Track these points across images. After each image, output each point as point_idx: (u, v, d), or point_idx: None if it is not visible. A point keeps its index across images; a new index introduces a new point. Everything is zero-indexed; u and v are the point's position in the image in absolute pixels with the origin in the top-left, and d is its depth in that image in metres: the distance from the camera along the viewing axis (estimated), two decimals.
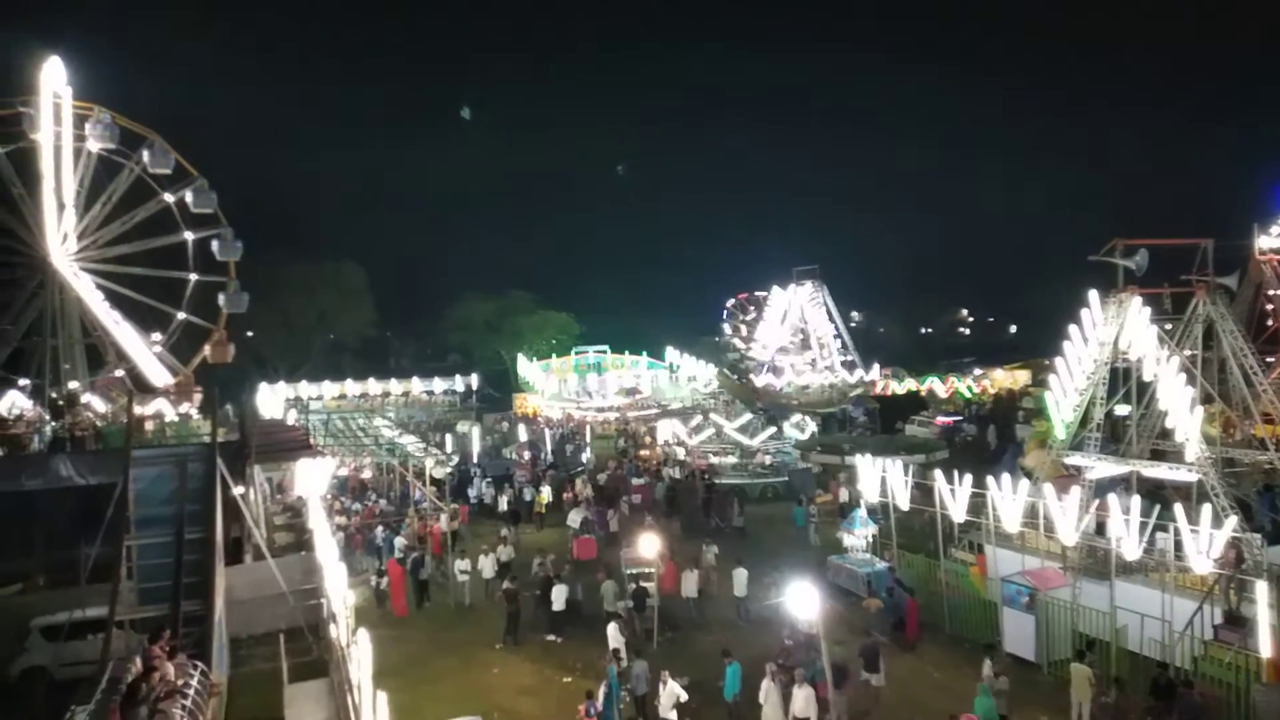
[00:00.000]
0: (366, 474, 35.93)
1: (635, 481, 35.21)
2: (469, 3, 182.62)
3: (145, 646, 12.79)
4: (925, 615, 20.32)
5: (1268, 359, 30.28)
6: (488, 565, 23.90)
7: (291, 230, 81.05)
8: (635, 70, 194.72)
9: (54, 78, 42.02)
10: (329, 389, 56.52)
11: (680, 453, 40.66)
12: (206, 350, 48.48)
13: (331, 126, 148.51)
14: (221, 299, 48.10)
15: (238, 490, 20.76)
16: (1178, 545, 16.99)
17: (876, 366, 65.29)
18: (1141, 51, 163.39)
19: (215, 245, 47.45)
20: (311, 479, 23.55)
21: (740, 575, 21.60)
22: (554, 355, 67.69)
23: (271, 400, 49.74)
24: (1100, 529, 18.64)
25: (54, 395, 42.54)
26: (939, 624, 20.36)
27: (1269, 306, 46.12)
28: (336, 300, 72.85)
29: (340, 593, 14.89)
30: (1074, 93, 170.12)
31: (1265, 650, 15.34)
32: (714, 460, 38.27)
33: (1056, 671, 17.35)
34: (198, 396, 45.94)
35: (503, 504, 32.26)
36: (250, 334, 65.27)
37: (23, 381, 43.95)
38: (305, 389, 54.29)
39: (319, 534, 19.27)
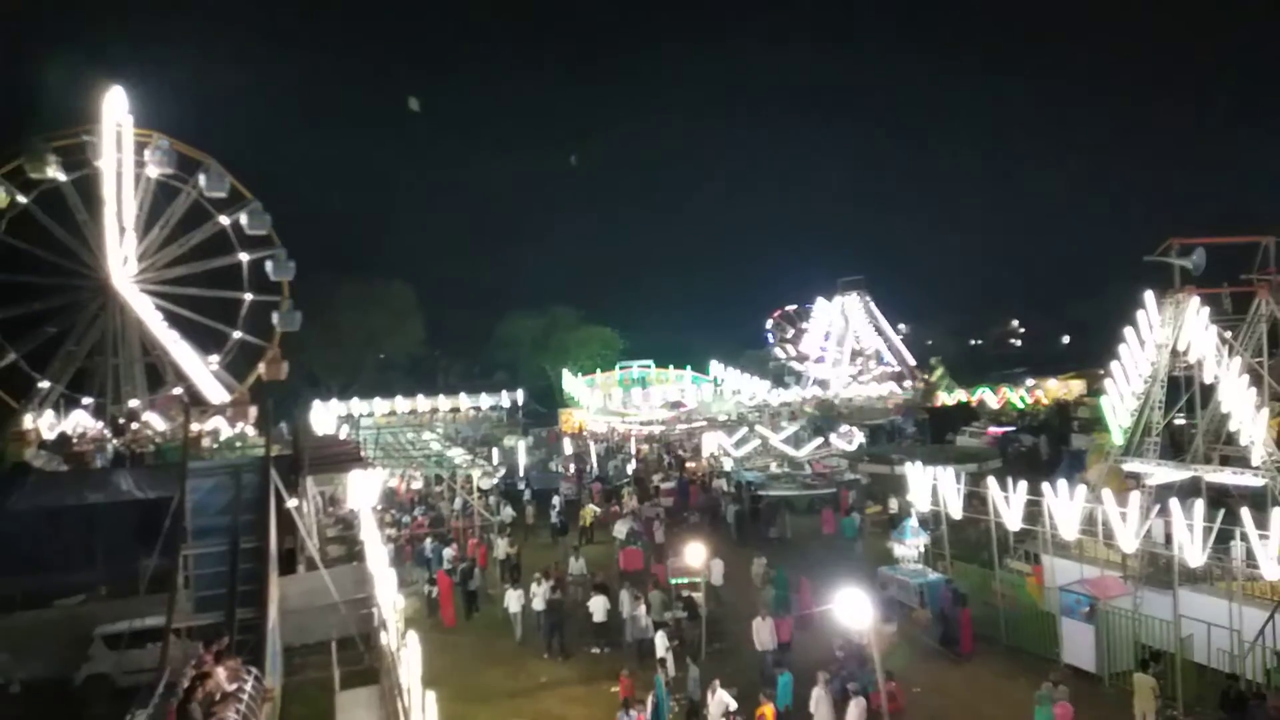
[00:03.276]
0: (417, 484, 36.33)
1: (664, 485, 35.85)
2: (499, 17, 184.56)
3: (199, 653, 13.06)
4: (981, 627, 19.85)
5: None
6: (540, 596, 21.26)
7: (343, 250, 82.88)
8: (672, 76, 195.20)
9: (116, 106, 43.58)
10: (379, 406, 57.38)
11: (728, 464, 40.45)
12: (261, 368, 49.64)
13: (381, 146, 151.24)
14: (275, 318, 49.23)
15: (291, 502, 21.14)
16: (1246, 553, 16.42)
17: (914, 369, 64.17)
18: (1192, 49, 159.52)
19: (269, 265, 48.64)
20: (362, 491, 23.85)
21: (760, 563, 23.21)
22: (598, 370, 67.96)
23: (324, 416, 50.61)
24: (1168, 539, 18.06)
25: (115, 413, 43.84)
26: (995, 635, 19.86)
27: None
28: (386, 319, 74.09)
29: (391, 600, 15.05)
30: (1125, 93, 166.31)
31: None
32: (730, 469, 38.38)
33: (1118, 683, 16.82)
34: (253, 413, 46.96)
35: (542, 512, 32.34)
36: (303, 353, 66.63)
37: (86, 400, 45.39)
38: (356, 406, 55.17)
39: (370, 545, 19.50)
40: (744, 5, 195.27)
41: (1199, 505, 16.97)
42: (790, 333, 79.40)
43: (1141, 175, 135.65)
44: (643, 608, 20.30)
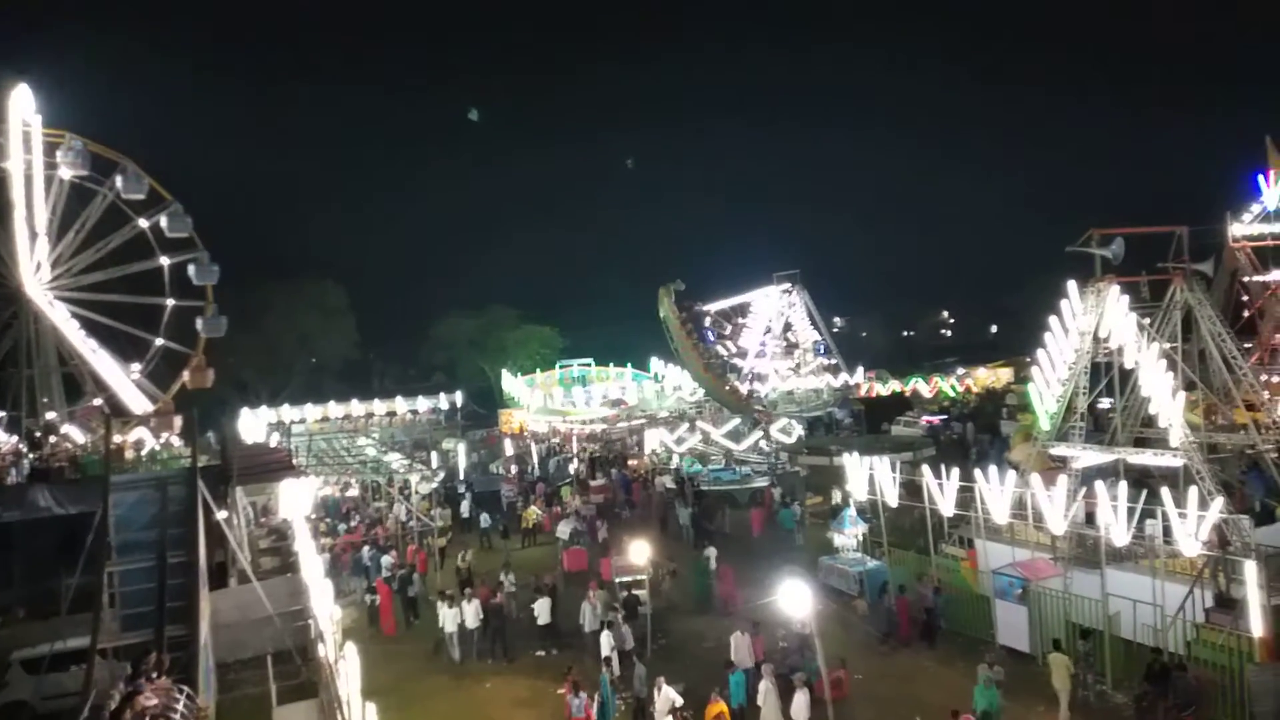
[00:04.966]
0: (352, 492, 35.57)
1: (594, 483, 35.65)
2: (441, 19, 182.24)
3: (128, 674, 12.57)
4: (918, 612, 20.26)
5: (1245, 345, 30.57)
6: (470, 614, 20.65)
7: (270, 253, 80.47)
8: (606, 80, 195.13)
9: (23, 104, 41.60)
10: (311, 411, 55.97)
11: (674, 460, 40.54)
12: (186, 376, 47.92)
13: (306, 147, 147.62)
14: (200, 324, 47.59)
15: (221, 514, 20.52)
16: (1166, 531, 17.06)
17: (860, 369, 65.45)
18: (1112, 44, 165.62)
19: (192, 269, 46.95)
20: (295, 500, 23.28)
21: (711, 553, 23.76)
22: (538, 369, 67.45)
23: (253, 424, 49.15)
24: (1089, 518, 18.68)
25: (31, 427, 41.92)
26: (932, 620, 20.29)
27: (1245, 296, 46.71)
28: (318, 322, 72.36)
29: (327, 612, 14.69)
30: (1047, 88, 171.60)
31: (1257, 630, 15.40)
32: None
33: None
34: (178, 423, 45.36)
35: (481, 517, 31.91)
36: (230, 359, 64.67)
37: None
38: (287, 412, 53.66)
39: (304, 555, 19.05)
40: (680, 7, 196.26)
41: (1122, 486, 17.59)
42: (728, 328, 79.98)
43: (1065, 169, 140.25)
44: (600, 608, 20.23)
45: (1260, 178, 44.72)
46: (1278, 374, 40.72)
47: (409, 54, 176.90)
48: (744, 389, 48.96)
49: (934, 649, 19.33)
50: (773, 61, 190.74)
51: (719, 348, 79.30)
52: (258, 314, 65.20)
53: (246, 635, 19.62)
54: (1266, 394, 27.29)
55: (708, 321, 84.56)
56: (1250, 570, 15.56)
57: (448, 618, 20.61)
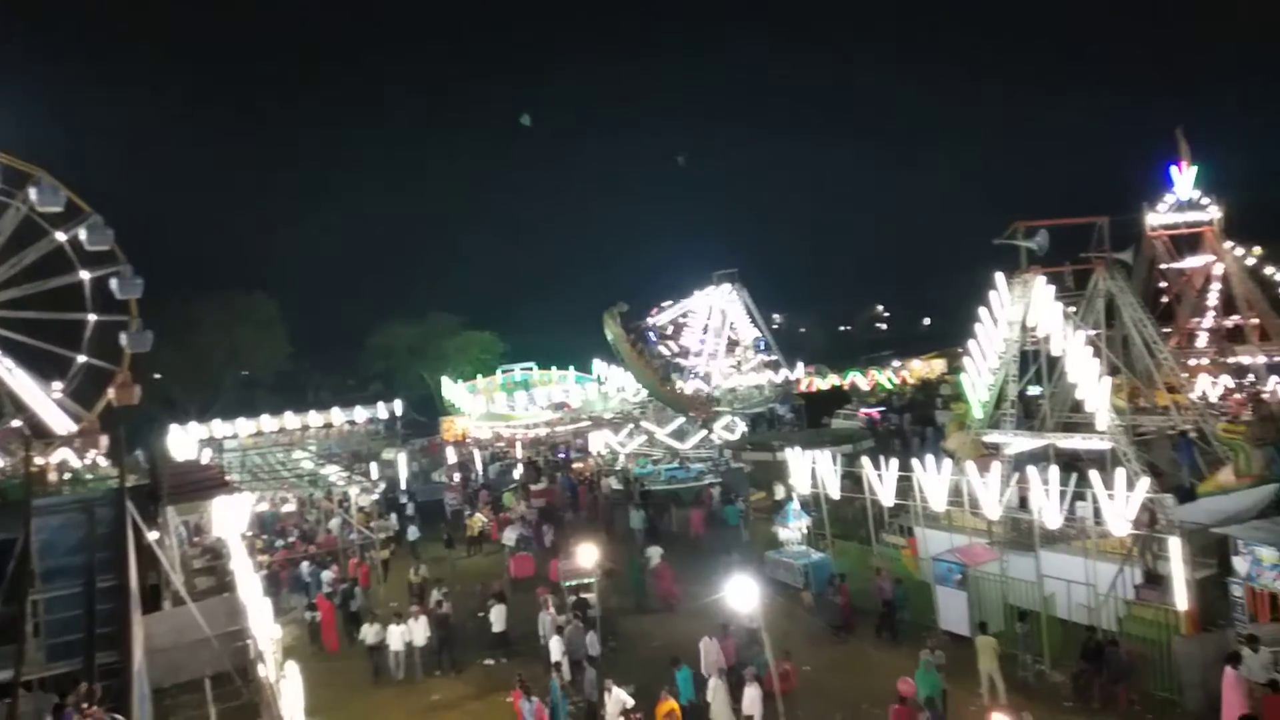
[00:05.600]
0: (289, 507, 34.74)
1: (534, 488, 35.45)
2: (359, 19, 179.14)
3: (55, 705, 12.06)
4: (863, 600, 20.57)
5: (1164, 330, 31.81)
6: (419, 632, 20.27)
7: (199, 265, 78.42)
8: (544, 78, 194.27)
9: None
10: (244, 426, 54.50)
11: (623, 460, 40.50)
12: (111, 393, 46.19)
13: (236, 157, 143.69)
14: (124, 339, 45.91)
15: (152, 535, 19.84)
16: (1096, 512, 17.63)
17: (800, 365, 66.23)
18: (1037, 36, 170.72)
19: (114, 283, 45.24)
20: (229, 518, 22.66)
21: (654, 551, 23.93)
22: (479, 375, 66.76)
23: (183, 441, 47.68)
24: (1023, 503, 19.21)
25: None
26: (876, 608, 20.61)
27: (1163, 283, 48.62)
28: (249, 334, 70.48)
29: (267, 631, 14.31)
30: (970, 80, 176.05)
31: (1182, 604, 16.02)
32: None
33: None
34: (105, 442, 43.75)
35: (409, 530, 31.30)
36: (158, 374, 62.62)
37: None
38: (219, 427, 52.16)
39: (241, 574, 18.57)
40: (613, 8, 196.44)
41: (1053, 471, 18.13)
42: (669, 328, 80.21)
43: (992, 163, 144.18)
44: (552, 613, 19.99)
45: (1173, 169, 46.60)
46: (1195, 357, 42.53)
47: (337, 60, 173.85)
48: (690, 388, 49.20)
49: (896, 641, 19.18)
50: (703, 64, 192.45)
51: (660, 348, 79.61)
52: (186, 328, 63.17)
53: (183, 658, 18.98)
54: (1186, 376, 28.47)
55: (648, 322, 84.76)
56: (1174, 547, 16.16)
57: (395, 635, 20.09)
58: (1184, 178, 46.11)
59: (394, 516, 33.21)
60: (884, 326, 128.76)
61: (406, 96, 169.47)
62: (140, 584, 18.15)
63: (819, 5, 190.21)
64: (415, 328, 79.36)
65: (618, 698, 15.18)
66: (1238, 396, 33.83)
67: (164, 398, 64.59)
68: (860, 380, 62.91)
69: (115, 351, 46.41)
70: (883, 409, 51.52)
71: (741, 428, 44.81)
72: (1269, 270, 45.51)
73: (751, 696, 15.23)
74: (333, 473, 31.85)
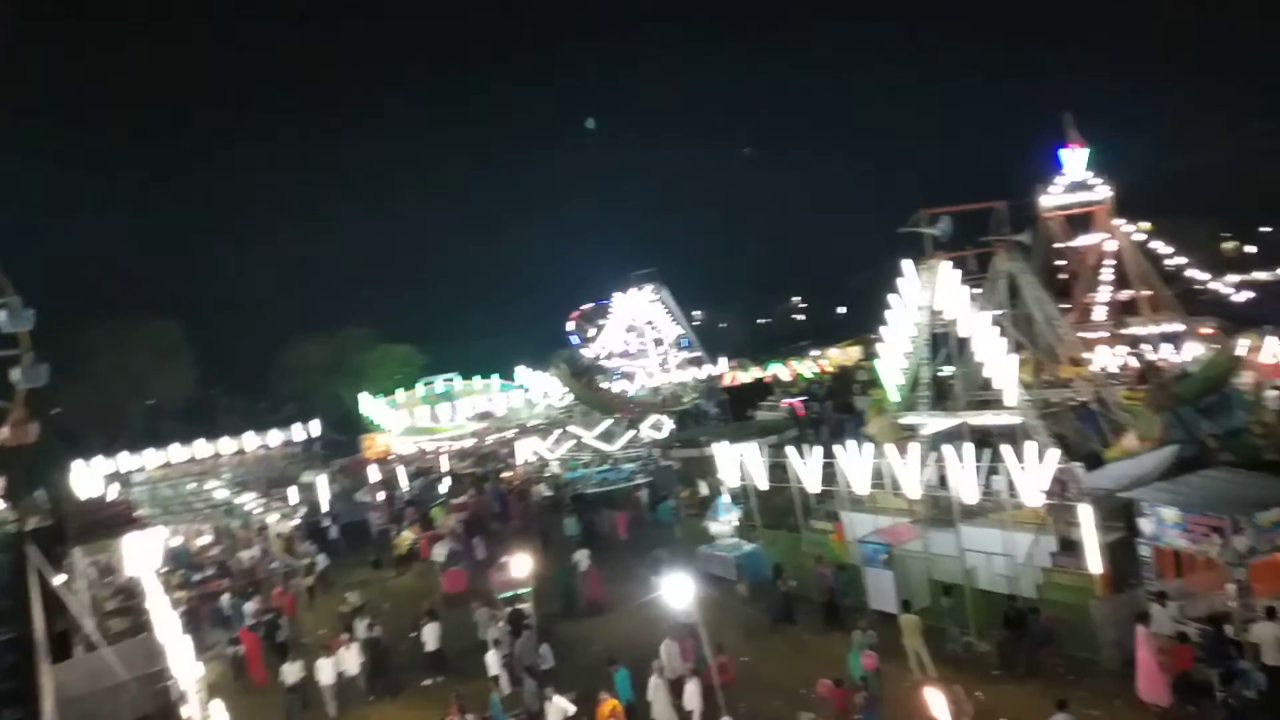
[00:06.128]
0: (205, 539, 33.40)
1: (455, 501, 35.14)
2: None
3: None
4: (800, 589, 20.87)
5: (1064, 306, 33.22)
6: (351, 661, 19.82)
7: (91, 292, 74.74)
8: (459, 86, 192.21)
9: None
10: (152, 458, 52.22)
11: (555, 467, 40.23)
12: (4, 432, 43.74)
13: (125, 176, 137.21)
14: (16, 374, 43.47)
15: (58, 579, 18.82)
16: (1010, 485, 18.27)
17: (723, 360, 66.92)
18: (932, 25, 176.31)
19: (3, 315, 42.80)
20: (141, 555, 21.65)
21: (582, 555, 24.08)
22: (400, 390, 65.42)
23: (87, 477, 45.39)
24: (942, 481, 19.78)
25: None
26: (809, 595, 20.96)
27: (1060, 261, 50.77)
28: (150, 362, 67.65)
29: (189, 670, 13.71)
30: (876, 78, 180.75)
31: (1095, 568, 16.73)
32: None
33: (922, 620, 18.21)
34: (1, 485, 41.36)
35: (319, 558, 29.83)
36: (55, 409, 59.42)
37: None
38: (125, 461, 49.85)
39: (157, 612, 17.75)
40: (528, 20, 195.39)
41: (968, 448, 18.72)
42: (591, 331, 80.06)
43: (893, 152, 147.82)
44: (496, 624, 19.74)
45: (1063, 151, 48.69)
46: (1094, 330, 44.53)
47: (239, 72, 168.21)
48: (615, 389, 49.29)
49: (842, 626, 19.17)
50: (612, 68, 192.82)
51: (583, 350, 79.45)
52: (83, 359, 60.23)
53: (100, 706, 18.01)
54: (1086, 350, 29.78)
55: (570, 326, 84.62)
56: (1085, 513, 16.87)
57: (325, 669, 19.36)
58: (1075, 160, 48.24)
59: (308, 543, 31.93)
60: (801, 317, 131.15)
61: (317, 105, 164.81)
62: (48, 632, 17.20)
63: (731, 11, 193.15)
64: (328, 344, 77.34)
65: (558, 706, 15.08)
66: (1135, 365, 35.50)
67: (64, 433, 61.37)
68: (781, 372, 63.96)
69: (7, 388, 43.87)
70: (805, 398, 52.44)
71: (669, 425, 45.03)
72: (1157, 245, 48.02)
73: (692, 691, 15.31)
74: (249, 500, 30.71)
